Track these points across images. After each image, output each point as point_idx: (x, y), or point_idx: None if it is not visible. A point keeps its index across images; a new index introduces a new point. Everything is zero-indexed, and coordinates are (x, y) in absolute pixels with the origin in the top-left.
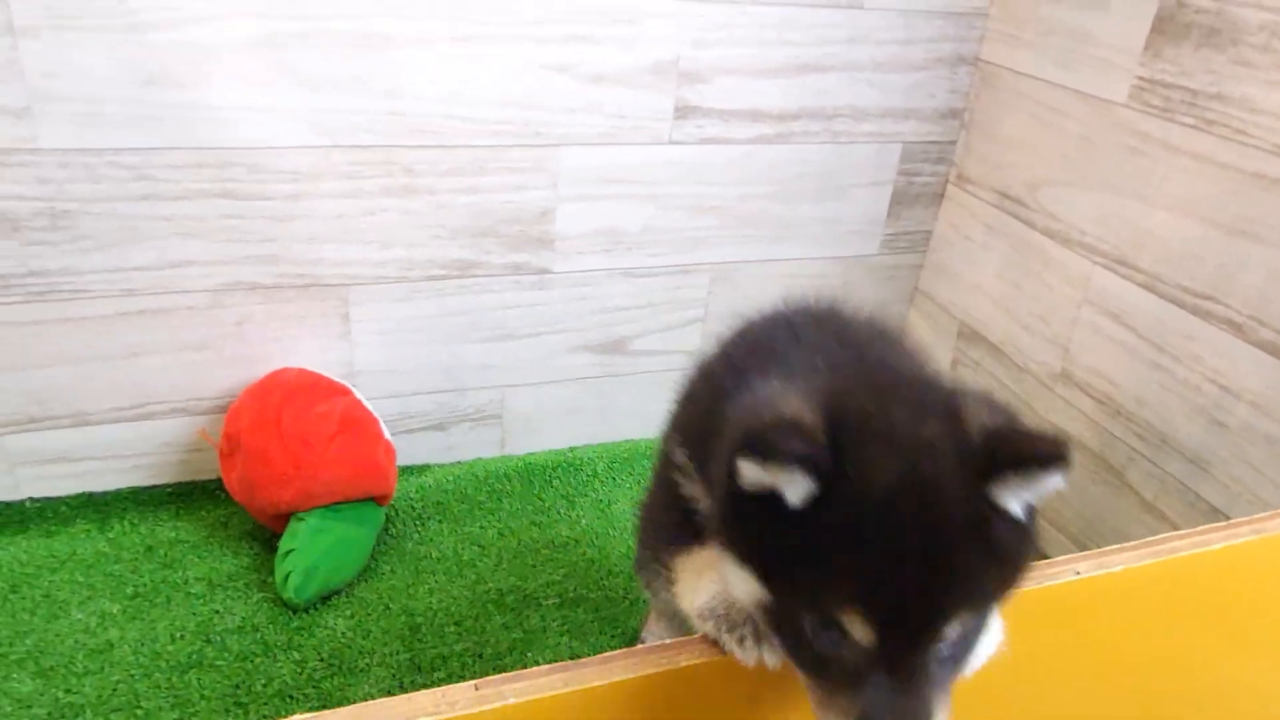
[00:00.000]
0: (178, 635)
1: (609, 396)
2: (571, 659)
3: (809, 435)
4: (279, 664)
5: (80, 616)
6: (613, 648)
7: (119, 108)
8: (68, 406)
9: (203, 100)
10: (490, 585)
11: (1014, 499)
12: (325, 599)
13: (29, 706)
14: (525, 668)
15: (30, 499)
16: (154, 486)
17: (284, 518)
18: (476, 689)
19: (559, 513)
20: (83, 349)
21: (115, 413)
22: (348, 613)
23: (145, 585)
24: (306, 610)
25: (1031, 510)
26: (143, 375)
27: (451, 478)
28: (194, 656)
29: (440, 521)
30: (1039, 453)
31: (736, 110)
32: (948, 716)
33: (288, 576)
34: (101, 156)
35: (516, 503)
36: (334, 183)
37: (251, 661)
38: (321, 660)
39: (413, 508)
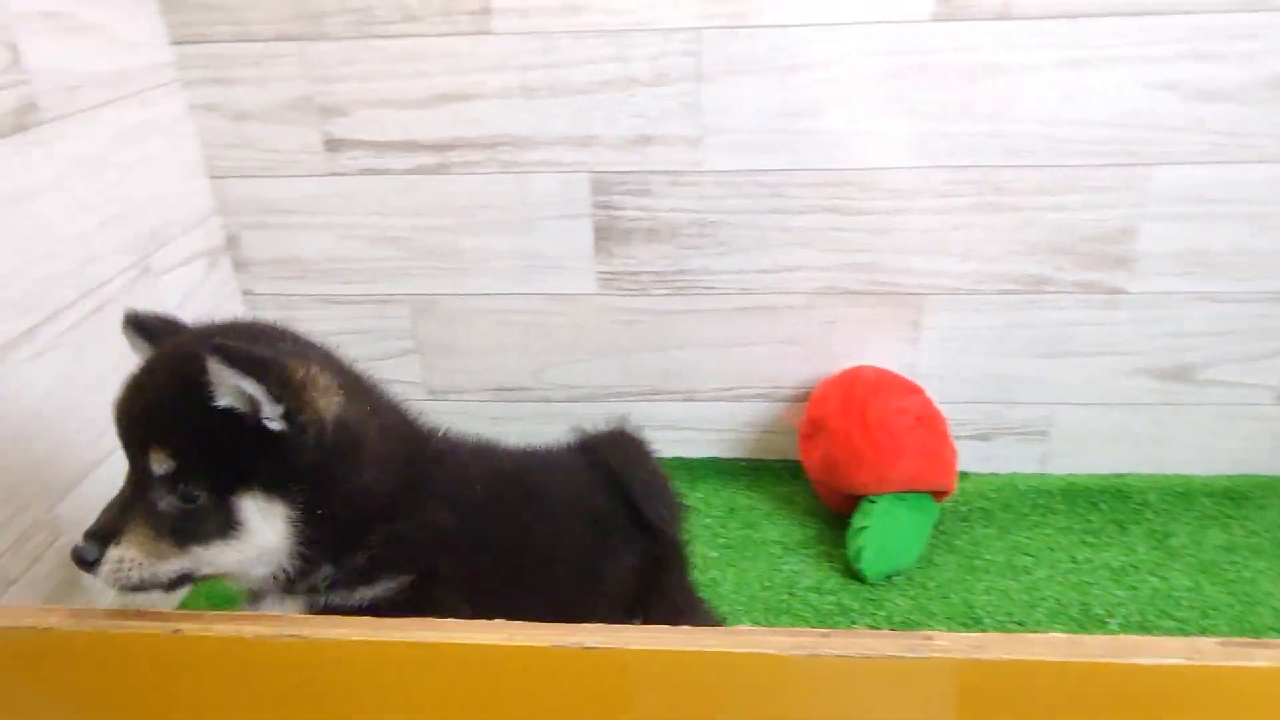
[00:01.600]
0: (767, 584)
1: (1166, 426)
2: None
3: None
4: (857, 624)
5: (689, 554)
6: None
7: (765, 136)
8: (684, 384)
9: (830, 128)
10: (1047, 594)
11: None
12: (889, 577)
13: None
14: None
15: None
16: (731, 459)
17: (853, 498)
18: (1221, 645)
19: (1110, 537)
20: (705, 337)
21: (717, 392)
22: (910, 593)
23: (733, 540)
24: (874, 584)
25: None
26: (744, 363)
27: (993, 487)
28: (783, 604)
29: (986, 527)
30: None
31: None
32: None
33: (861, 551)
34: (746, 176)
35: (1063, 520)
36: (928, 200)
37: (833, 618)
38: (894, 629)
39: (958, 509)
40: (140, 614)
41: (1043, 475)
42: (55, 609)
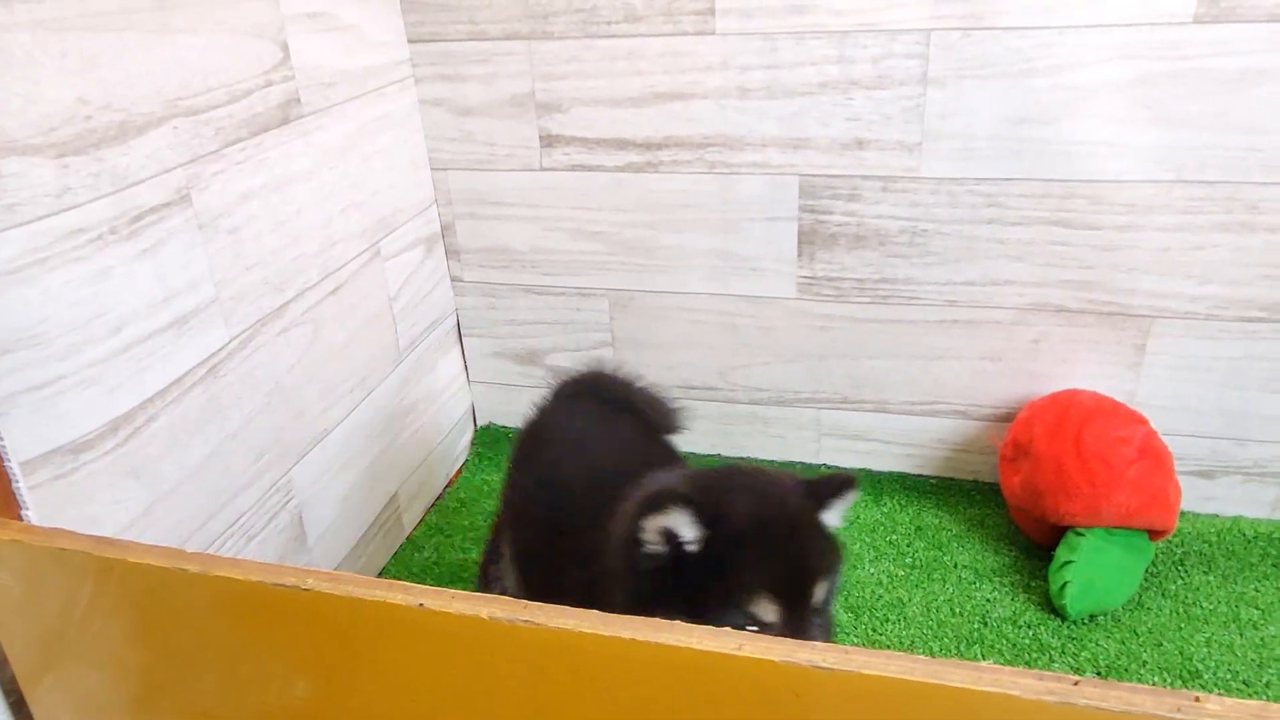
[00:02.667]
0: (957, 611)
1: None
2: None
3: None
4: (1055, 665)
5: (873, 572)
6: None
7: (988, 143)
8: (875, 394)
9: (1062, 136)
10: (1279, 654)
11: (833, 516)
12: (1093, 616)
13: (847, 634)
14: None
15: (825, 464)
16: (919, 475)
17: (1055, 529)
18: None
19: None
20: (901, 347)
21: (909, 405)
22: (1118, 636)
23: (920, 560)
24: (1076, 622)
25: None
26: (942, 376)
27: (1214, 530)
28: (975, 634)
29: (1206, 573)
30: (845, 486)
31: None
32: None
33: (1065, 585)
34: (963, 185)
35: None
36: (1167, 216)
37: (1029, 654)
38: (1098, 674)
39: (1172, 551)
40: (389, 585)
41: (1273, 521)
42: (313, 571)
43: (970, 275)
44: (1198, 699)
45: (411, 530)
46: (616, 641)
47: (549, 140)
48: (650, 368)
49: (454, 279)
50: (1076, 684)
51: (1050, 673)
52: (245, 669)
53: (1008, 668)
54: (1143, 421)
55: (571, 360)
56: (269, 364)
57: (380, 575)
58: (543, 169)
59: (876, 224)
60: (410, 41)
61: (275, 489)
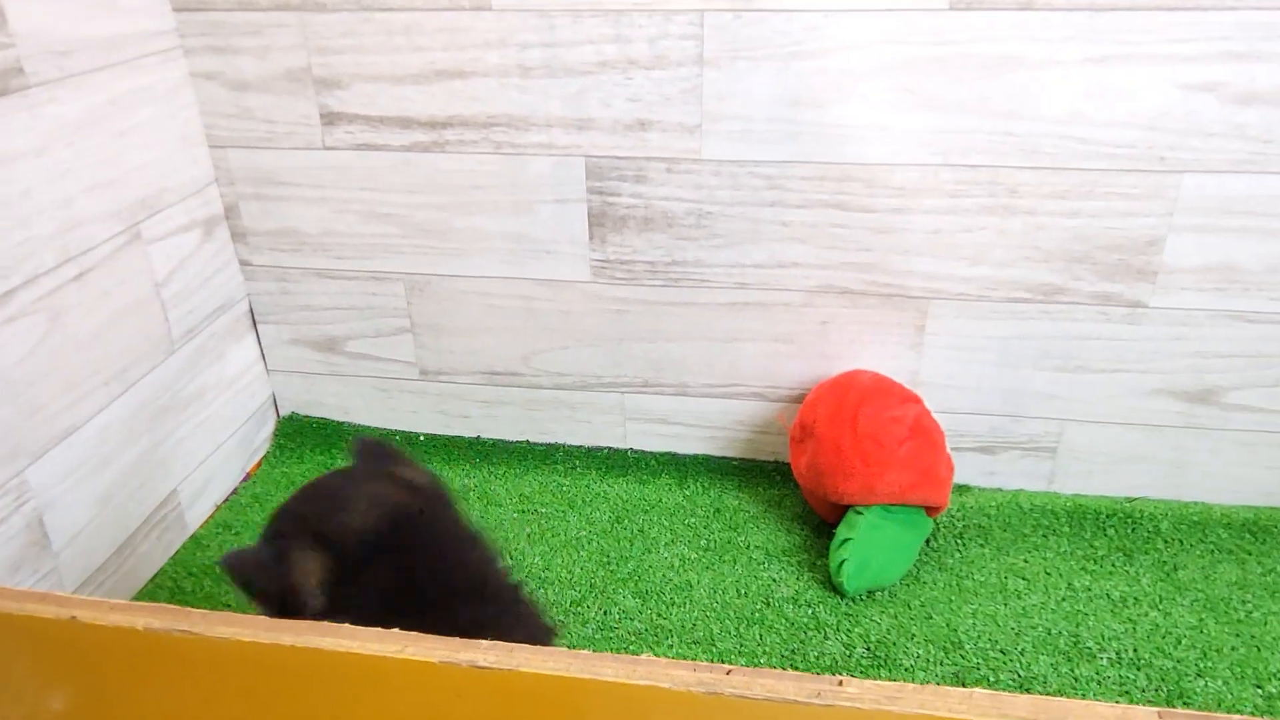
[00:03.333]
0: (743, 592)
1: (1186, 450)
2: None
3: None
4: (829, 641)
5: (666, 555)
6: None
7: (766, 125)
8: (675, 377)
9: (834, 119)
10: (1037, 622)
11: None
12: (870, 593)
13: (632, 619)
14: None
15: (632, 449)
16: (723, 457)
17: (840, 508)
18: (1160, 716)
19: (1114, 565)
20: (697, 330)
21: (708, 387)
22: (891, 611)
23: (715, 542)
24: (854, 599)
25: None
26: (737, 359)
27: (994, 504)
28: (756, 614)
29: (982, 546)
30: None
31: None
32: None
33: (843, 563)
34: (744, 167)
35: (1065, 544)
36: (936, 199)
37: (805, 632)
38: (868, 649)
39: (953, 525)
40: (41, 597)
41: (1049, 494)
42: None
43: (757, 258)
44: (840, 683)
45: (197, 528)
46: (278, 649)
47: (330, 118)
48: (451, 353)
49: (243, 263)
50: (729, 673)
51: (706, 664)
52: None
53: (664, 659)
54: (916, 400)
55: (372, 347)
56: None
57: (155, 577)
58: (326, 148)
59: (664, 206)
60: (175, 10)
61: (4, 490)
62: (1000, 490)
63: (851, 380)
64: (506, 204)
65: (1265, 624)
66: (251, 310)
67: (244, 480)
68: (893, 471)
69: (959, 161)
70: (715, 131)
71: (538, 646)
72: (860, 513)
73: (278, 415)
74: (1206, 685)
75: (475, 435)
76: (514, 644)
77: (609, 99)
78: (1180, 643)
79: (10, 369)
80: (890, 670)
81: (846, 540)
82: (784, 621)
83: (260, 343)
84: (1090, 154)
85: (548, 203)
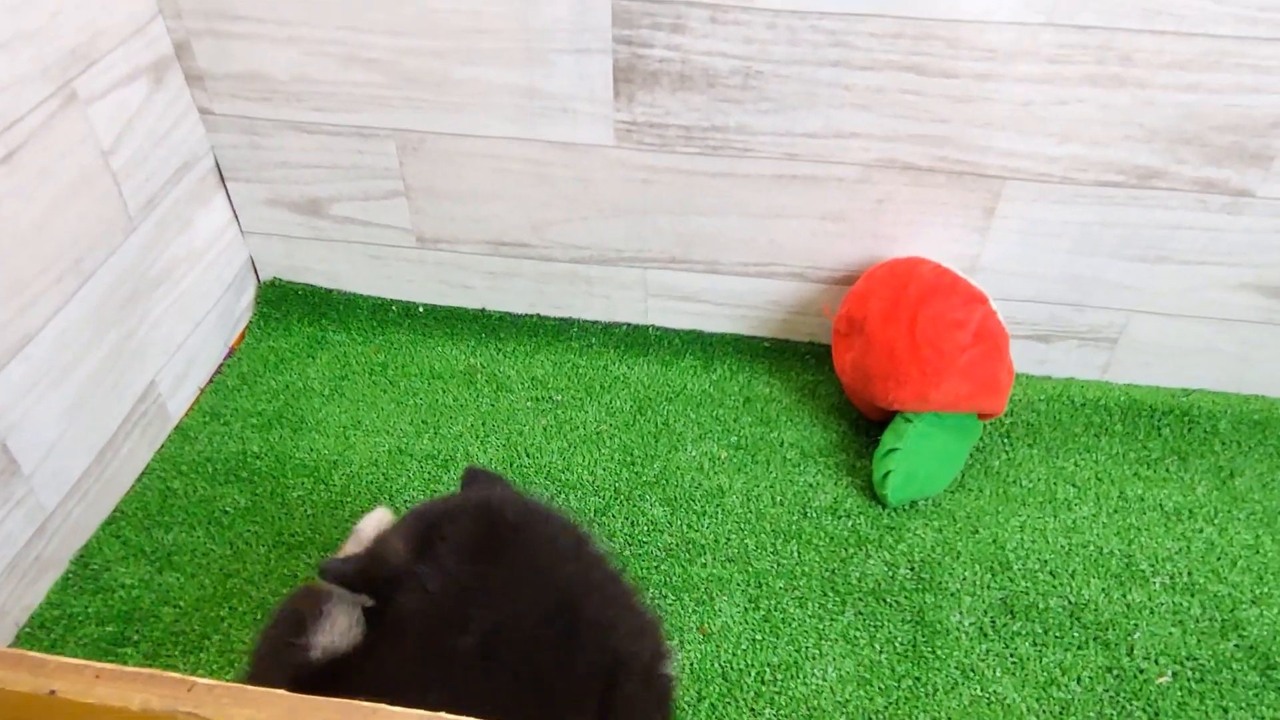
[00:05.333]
0: (778, 500)
1: (1256, 346)
2: None
3: None
4: (871, 560)
5: (694, 454)
6: None
7: None
8: (706, 254)
9: None
10: (1088, 539)
11: None
12: (914, 503)
13: (661, 532)
14: None
15: (654, 326)
16: (753, 337)
17: (886, 411)
18: None
19: (1169, 470)
20: (735, 204)
21: (742, 266)
22: (936, 525)
23: (746, 438)
24: (896, 510)
25: None
26: (778, 236)
27: (1044, 397)
28: (794, 526)
29: (1030, 447)
30: None
31: None
32: None
33: (887, 475)
34: (805, 19)
35: (1117, 444)
36: (1031, 65)
37: (845, 549)
38: (911, 569)
39: (1001, 421)
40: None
41: (1102, 384)
42: None
43: (811, 126)
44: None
45: (181, 418)
46: None
47: None
48: (452, 221)
49: (203, 111)
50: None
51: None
52: None
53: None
54: (982, 300)
55: (361, 211)
56: None
57: (141, 476)
58: None
59: (704, 62)
60: None
61: None
62: (1050, 379)
63: (910, 273)
64: (516, 52)
65: None
66: (218, 166)
67: (228, 356)
68: (951, 381)
69: (1066, 21)
70: None
71: None
72: (910, 420)
73: (258, 281)
74: (1261, 614)
75: (480, 307)
76: None
77: None
78: (1235, 564)
79: None
80: (938, 595)
81: (893, 451)
82: (822, 537)
83: (232, 202)
84: (1225, 16)
85: (565, 52)
